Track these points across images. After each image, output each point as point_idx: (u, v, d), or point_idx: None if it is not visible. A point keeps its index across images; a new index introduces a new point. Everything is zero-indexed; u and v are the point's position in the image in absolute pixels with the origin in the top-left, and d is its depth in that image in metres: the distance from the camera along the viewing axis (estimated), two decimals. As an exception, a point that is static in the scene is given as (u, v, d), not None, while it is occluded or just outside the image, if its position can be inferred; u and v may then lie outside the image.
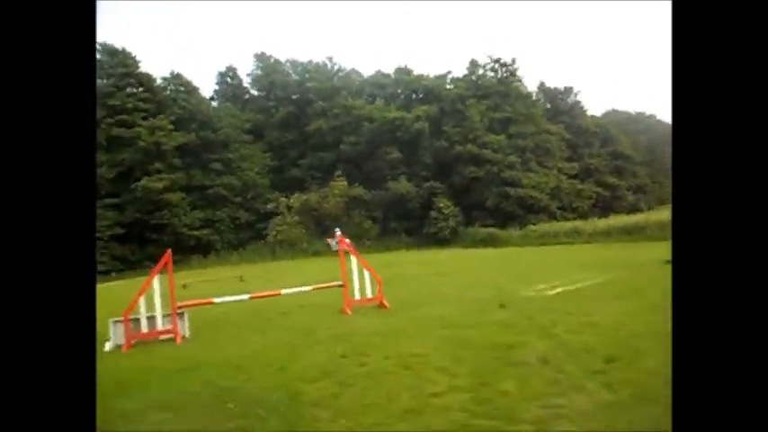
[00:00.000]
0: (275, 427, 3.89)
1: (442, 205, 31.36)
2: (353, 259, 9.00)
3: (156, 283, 7.55)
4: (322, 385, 4.80)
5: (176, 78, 36.96)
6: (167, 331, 7.55)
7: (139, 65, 35.49)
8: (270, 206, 34.06)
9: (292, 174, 36.97)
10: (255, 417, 4.19)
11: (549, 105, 39.90)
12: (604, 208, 35.47)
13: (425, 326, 6.87)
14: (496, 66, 35.55)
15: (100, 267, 29.95)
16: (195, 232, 32.52)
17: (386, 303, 8.93)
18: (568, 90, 40.27)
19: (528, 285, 10.18)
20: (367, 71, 43.91)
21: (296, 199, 33.14)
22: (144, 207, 31.78)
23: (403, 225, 32.76)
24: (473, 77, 35.59)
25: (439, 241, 31.28)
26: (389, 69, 41.43)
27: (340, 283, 8.88)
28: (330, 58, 41.70)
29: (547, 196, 31.30)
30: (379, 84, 39.76)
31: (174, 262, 35.12)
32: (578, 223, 26.48)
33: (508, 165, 31.57)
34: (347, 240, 9.07)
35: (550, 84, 40.57)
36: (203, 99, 37.65)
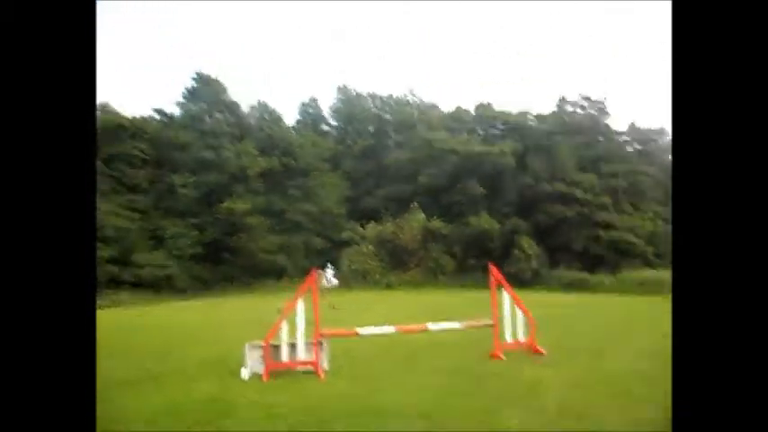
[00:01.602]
0: None
1: (525, 244, 29.64)
2: (506, 295, 7.88)
3: (300, 306, 6.77)
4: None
5: (262, 107, 38.11)
6: (309, 362, 6.70)
7: (227, 92, 36.93)
8: (344, 235, 33.67)
9: (367, 203, 36.62)
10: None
11: (640, 147, 37.55)
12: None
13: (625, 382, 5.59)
14: (586, 103, 34.08)
15: (178, 284, 30.43)
16: (270, 256, 32.51)
17: (540, 349, 7.71)
18: (660, 131, 37.88)
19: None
20: (446, 107, 43.50)
21: (371, 229, 32.55)
22: (224, 228, 32.23)
23: (481, 262, 31.21)
24: (559, 114, 34.22)
25: (519, 282, 29.44)
26: (469, 106, 40.95)
27: (490, 322, 7.77)
28: (411, 91, 41.81)
29: (642, 241, 28.90)
30: (459, 119, 39.20)
31: (248, 284, 34.75)
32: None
33: (599, 205, 29.58)
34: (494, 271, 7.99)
35: (641, 124, 38.37)
36: (287, 127, 38.44)
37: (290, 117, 41.86)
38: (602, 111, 33.90)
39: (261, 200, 33.42)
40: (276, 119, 37.70)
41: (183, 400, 5.48)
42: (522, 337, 7.87)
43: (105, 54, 37.90)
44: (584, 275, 27.45)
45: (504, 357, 7.40)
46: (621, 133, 36.01)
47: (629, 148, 36.13)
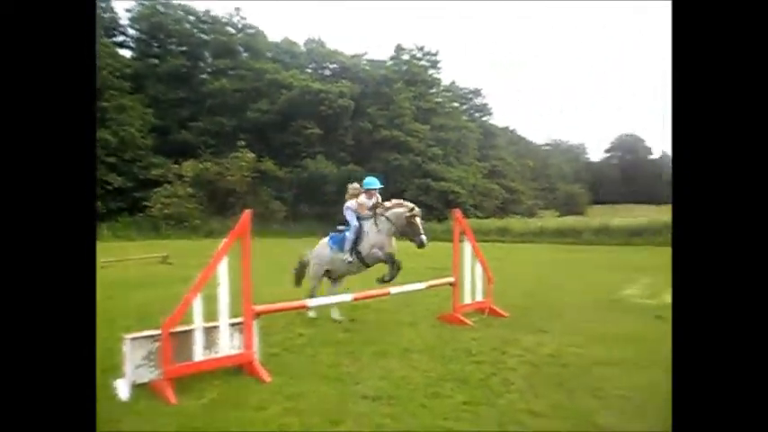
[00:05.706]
0: None
1: (360, 192, 28.98)
2: (468, 247, 6.41)
3: (223, 267, 4.10)
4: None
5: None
6: (240, 357, 4.17)
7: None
8: (153, 172, 28.04)
9: (181, 137, 31.08)
10: None
11: (457, 104, 39.95)
12: (504, 210, 36.68)
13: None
14: (420, 54, 34.28)
15: None
16: (47, 195, 25.15)
17: (499, 310, 6.56)
18: (477, 91, 40.94)
19: (600, 288, 8.58)
20: (273, 36, 39.24)
21: (189, 167, 27.72)
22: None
23: (314, 209, 29.61)
24: (397, 62, 33.74)
25: (352, 230, 28.90)
26: (298, 39, 37.67)
27: (451, 279, 6.24)
28: (238, 10, 36.23)
29: (465, 192, 31.00)
30: (289, 51, 35.65)
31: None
32: (511, 221, 26.44)
33: (431, 156, 30.50)
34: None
35: (460, 83, 40.78)
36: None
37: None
38: (434, 64, 34.64)
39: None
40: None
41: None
42: (479, 297, 6.59)
43: None
44: (416, 223, 28.28)
45: (471, 323, 6.01)
46: (449, 88, 37.64)
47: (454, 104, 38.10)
